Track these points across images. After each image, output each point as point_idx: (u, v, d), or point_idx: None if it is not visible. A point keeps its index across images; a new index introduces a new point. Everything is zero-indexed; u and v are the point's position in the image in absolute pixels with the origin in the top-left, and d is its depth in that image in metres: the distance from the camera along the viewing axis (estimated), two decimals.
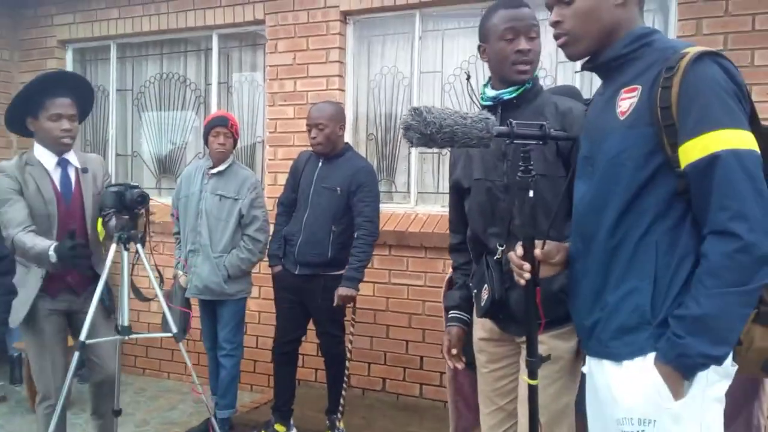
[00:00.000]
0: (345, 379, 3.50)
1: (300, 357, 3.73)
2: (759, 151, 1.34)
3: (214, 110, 4.92)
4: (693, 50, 1.38)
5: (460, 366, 2.12)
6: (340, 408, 3.51)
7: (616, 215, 1.45)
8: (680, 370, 1.36)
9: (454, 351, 2.10)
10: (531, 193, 1.59)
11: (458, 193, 2.12)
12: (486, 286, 1.93)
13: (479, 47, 2.02)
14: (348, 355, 3.50)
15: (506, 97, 1.91)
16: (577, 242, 1.59)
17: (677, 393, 1.37)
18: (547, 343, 1.87)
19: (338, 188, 3.39)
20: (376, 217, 3.42)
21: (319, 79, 4.40)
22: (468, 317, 2.14)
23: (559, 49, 1.69)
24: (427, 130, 1.45)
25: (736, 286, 1.30)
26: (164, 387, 4.78)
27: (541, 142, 1.62)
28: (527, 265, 1.59)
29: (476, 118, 1.49)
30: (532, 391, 1.64)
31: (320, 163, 3.49)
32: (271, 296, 4.34)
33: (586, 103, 2.89)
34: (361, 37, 4.45)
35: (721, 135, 1.31)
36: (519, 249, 1.61)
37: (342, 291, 3.30)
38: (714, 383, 1.39)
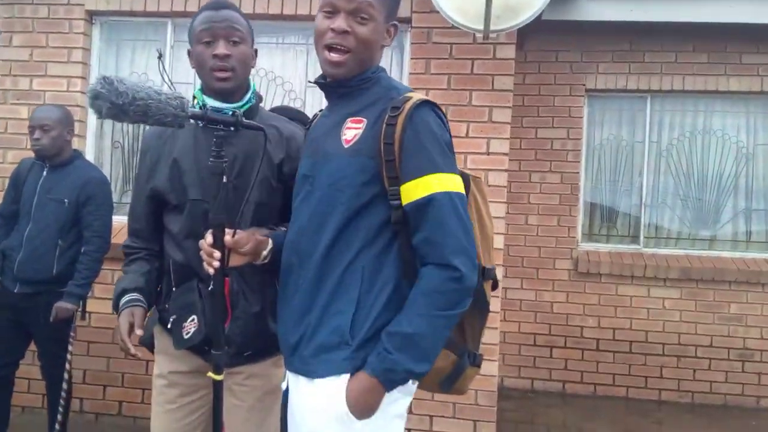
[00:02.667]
0: (65, 400, 3.25)
1: (26, 382, 3.41)
2: (464, 192, 1.51)
3: None
4: (415, 96, 1.52)
5: (135, 353, 1.82)
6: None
7: (331, 237, 1.51)
8: (385, 383, 1.44)
9: (139, 332, 1.81)
10: (224, 179, 1.57)
11: (156, 203, 1.90)
12: (194, 317, 1.76)
13: (188, 51, 1.90)
14: (66, 376, 3.26)
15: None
16: (292, 257, 1.60)
17: (375, 405, 1.44)
18: (267, 371, 1.86)
19: (65, 200, 3.18)
20: (107, 231, 3.25)
21: (58, 79, 4.08)
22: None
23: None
24: (118, 100, 1.38)
25: (444, 310, 1.43)
26: None
27: (232, 128, 1.62)
28: (217, 253, 1.56)
29: (171, 95, 1.47)
30: (217, 387, 1.65)
31: (45, 172, 3.24)
32: None
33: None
34: (110, 40, 4.21)
35: (438, 178, 1.45)
36: (209, 237, 1.57)
37: (59, 305, 3.08)
38: (397, 400, 1.51)
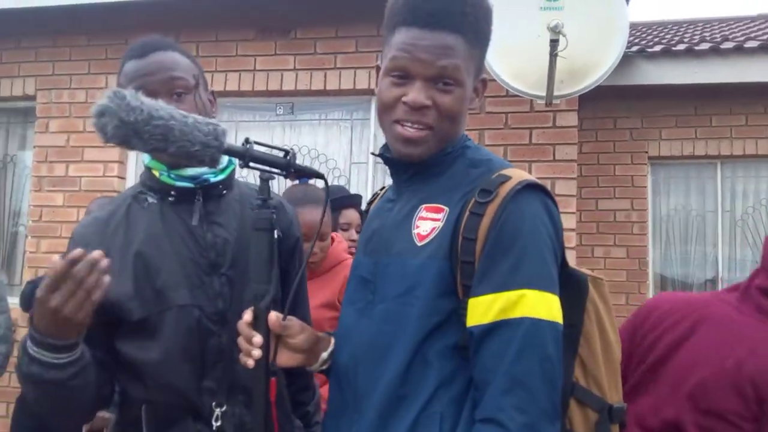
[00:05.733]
0: None
1: None
2: (561, 323, 1.06)
3: None
4: (516, 175, 1.09)
5: None
6: None
7: (399, 369, 1.09)
8: None
9: None
10: (276, 233, 1.16)
11: (104, 324, 1.25)
12: None
13: None
14: None
15: (212, 179, 1.33)
16: (346, 392, 1.18)
17: None
18: None
19: None
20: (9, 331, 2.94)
21: (95, 165, 3.94)
22: None
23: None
24: (130, 117, 1.04)
25: None
26: None
27: (284, 172, 1.20)
28: (258, 337, 1.11)
29: (202, 120, 1.11)
30: None
31: None
32: None
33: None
34: None
35: (525, 297, 1.03)
36: (248, 314, 1.14)
37: None
38: None
